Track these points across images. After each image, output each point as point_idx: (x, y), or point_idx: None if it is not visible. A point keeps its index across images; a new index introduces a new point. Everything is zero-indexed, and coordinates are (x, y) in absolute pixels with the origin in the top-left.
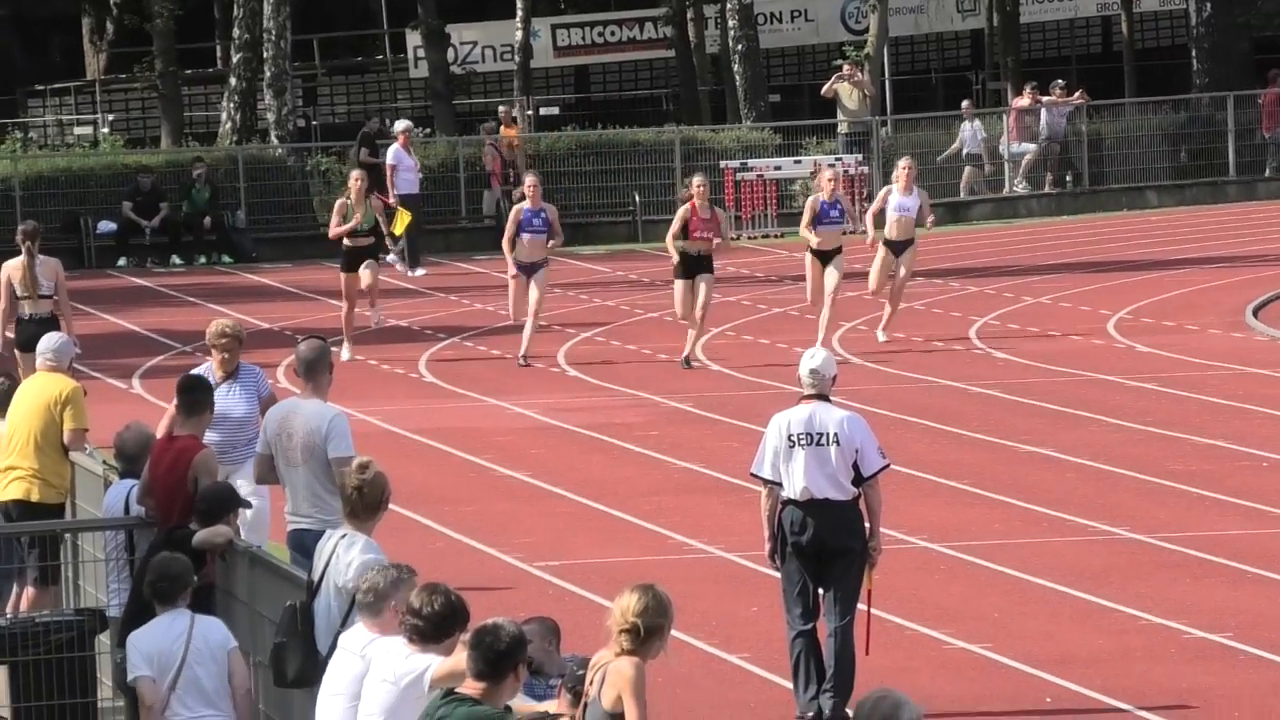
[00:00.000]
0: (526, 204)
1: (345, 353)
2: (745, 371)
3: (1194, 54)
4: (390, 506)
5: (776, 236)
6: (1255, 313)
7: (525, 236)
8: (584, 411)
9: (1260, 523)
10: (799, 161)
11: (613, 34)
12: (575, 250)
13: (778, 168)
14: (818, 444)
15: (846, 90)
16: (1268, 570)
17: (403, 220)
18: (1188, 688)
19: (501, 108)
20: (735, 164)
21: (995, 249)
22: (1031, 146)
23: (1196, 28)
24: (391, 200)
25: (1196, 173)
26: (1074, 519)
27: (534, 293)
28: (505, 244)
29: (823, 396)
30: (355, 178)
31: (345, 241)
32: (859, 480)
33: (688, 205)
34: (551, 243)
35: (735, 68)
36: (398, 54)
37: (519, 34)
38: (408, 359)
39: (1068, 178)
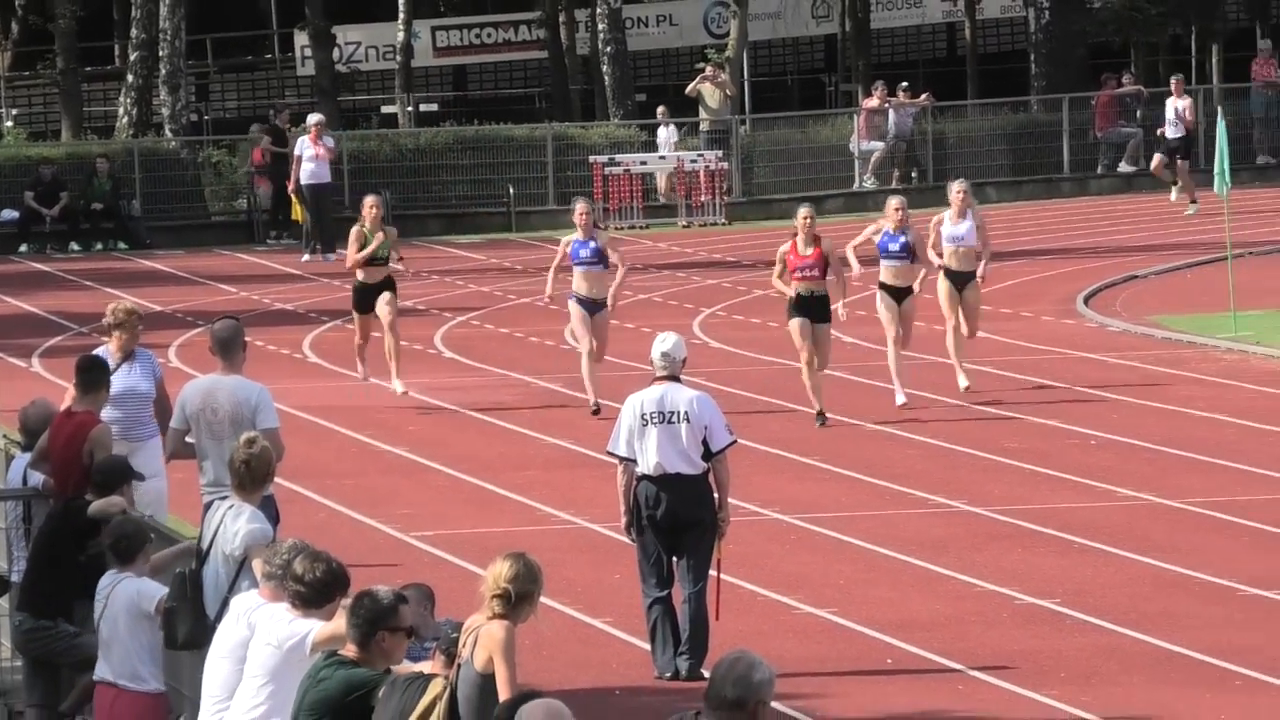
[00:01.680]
0: (576, 234)
1: (399, 386)
2: (612, 354)
3: (1033, 59)
4: (275, 479)
5: (643, 228)
6: (1086, 301)
7: (578, 270)
8: (460, 391)
9: (1087, 497)
10: (664, 157)
11: (489, 35)
12: (453, 239)
13: (643, 163)
14: (669, 421)
15: (709, 90)
16: (1094, 541)
17: (296, 209)
18: (1019, 650)
19: (276, 111)
20: (604, 159)
21: (846, 240)
22: (880, 144)
23: (1035, 34)
24: (291, 189)
25: (1033, 170)
26: (916, 493)
27: (597, 336)
28: (551, 271)
29: (674, 378)
30: (370, 204)
31: (357, 275)
32: (708, 455)
33: (789, 243)
34: (619, 275)
35: (604, 68)
36: (286, 53)
37: (401, 35)
38: (292, 340)
39: (914, 174)
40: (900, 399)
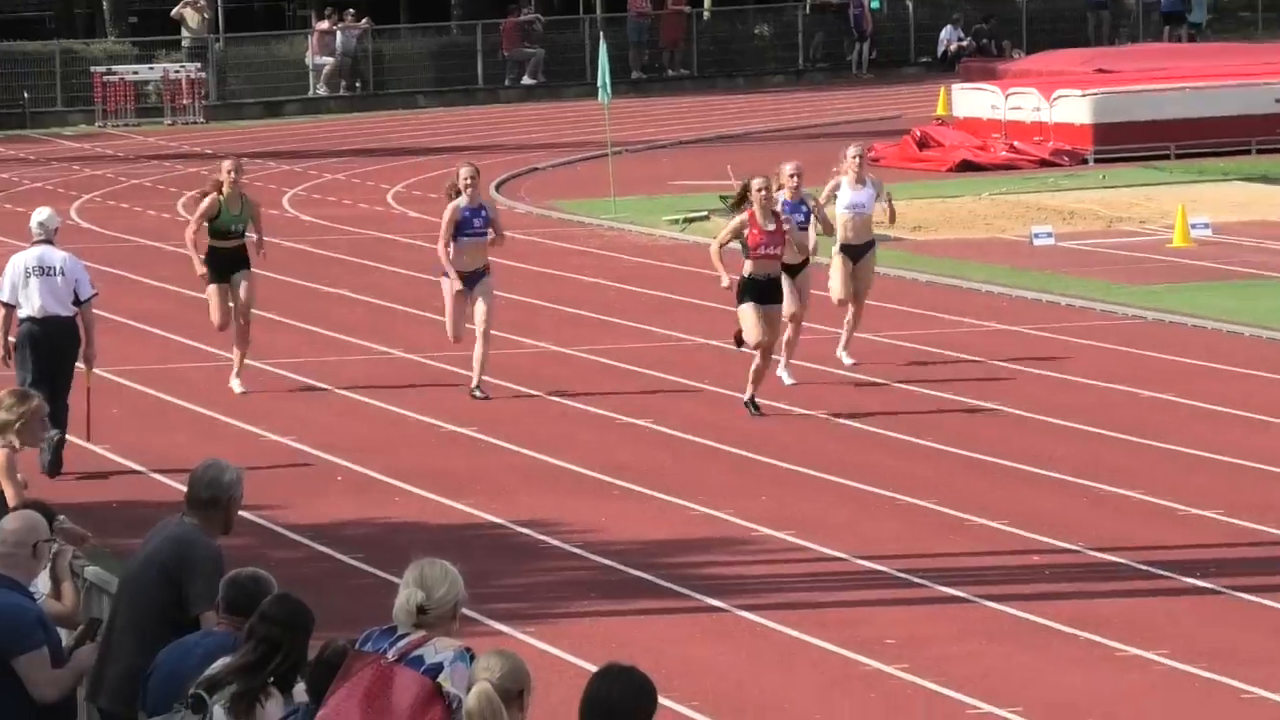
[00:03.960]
0: (463, 200)
1: (236, 385)
2: (111, 230)
3: None
4: None
5: (135, 125)
6: (498, 188)
7: (464, 240)
8: None
9: (501, 346)
10: (152, 68)
11: None
12: None
13: (135, 72)
14: (48, 275)
15: (190, 14)
16: (506, 381)
17: None
18: (444, 468)
19: None
20: (103, 69)
21: (304, 139)
22: (330, 60)
23: None
24: None
25: (454, 81)
26: (356, 340)
27: (480, 307)
28: (441, 250)
29: (49, 241)
30: (229, 168)
31: (210, 241)
32: (78, 303)
33: (746, 214)
34: (494, 243)
35: None
36: None
37: None
38: None
39: (358, 84)
40: (788, 380)
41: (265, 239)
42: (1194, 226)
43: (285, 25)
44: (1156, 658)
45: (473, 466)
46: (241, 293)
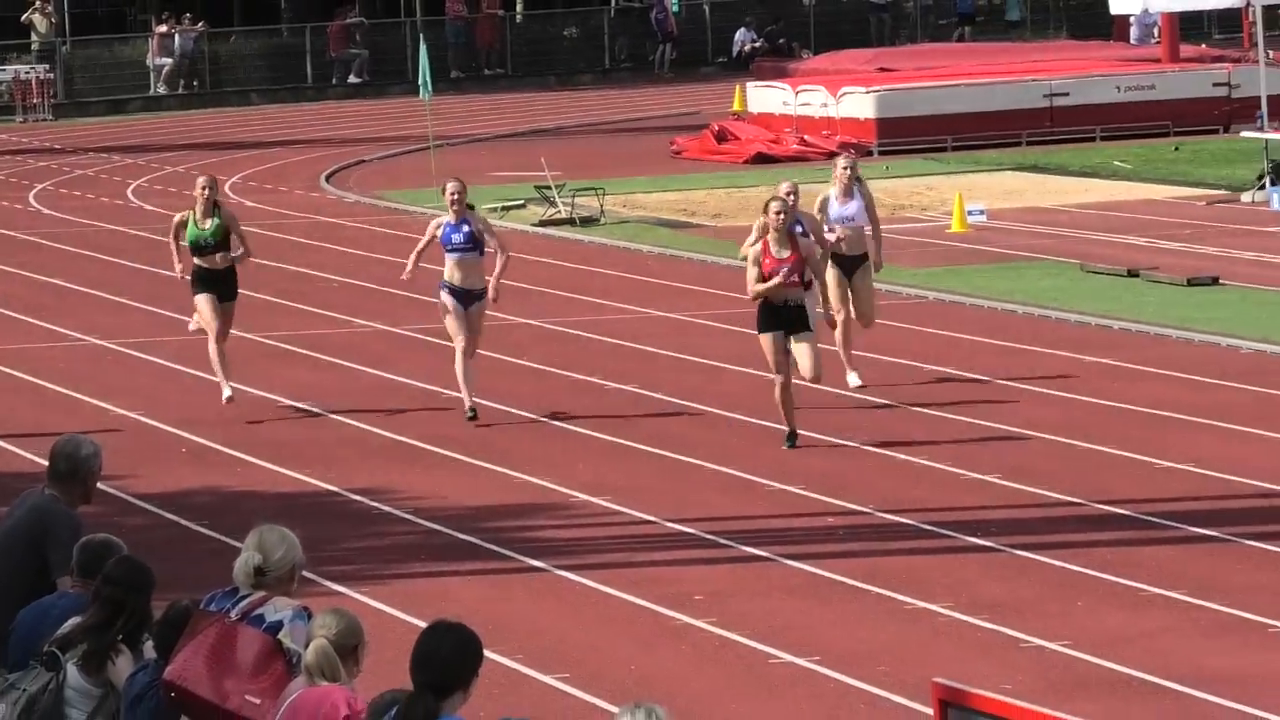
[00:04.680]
0: (446, 216)
1: (226, 390)
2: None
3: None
4: None
5: None
6: (327, 179)
7: (451, 258)
8: None
9: (331, 325)
10: (4, 70)
11: None
12: None
13: None
14: None
15: (39, 19)
16: (337, 359)
17: None
18: (284, 440)
19: None
20: None
21: (146, 134)
22: (169, 60)
23: None
24: None
25: (284, 80)
26: (175, 318)
27: (470, 330)
28: (414, 252)
29: None
30: (202, 185)
31: (194, 260)
32: None
33: (760, 243)
34: (499, 263)
35: None
36: None
37: None
38: None
39: (195, 83)
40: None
41: (246, 250)
42: (970, 213)
43: (127, 29)
44: (941, 610)
45: (309, 438)
46: (225, 317)
